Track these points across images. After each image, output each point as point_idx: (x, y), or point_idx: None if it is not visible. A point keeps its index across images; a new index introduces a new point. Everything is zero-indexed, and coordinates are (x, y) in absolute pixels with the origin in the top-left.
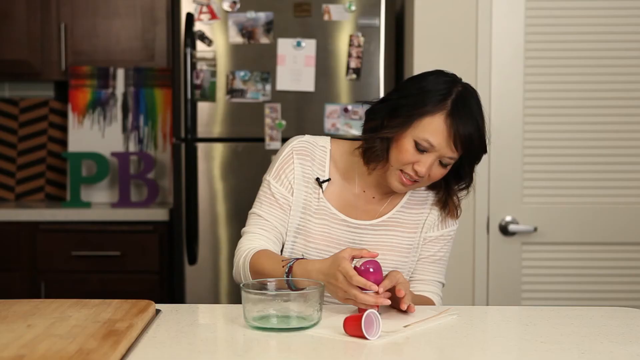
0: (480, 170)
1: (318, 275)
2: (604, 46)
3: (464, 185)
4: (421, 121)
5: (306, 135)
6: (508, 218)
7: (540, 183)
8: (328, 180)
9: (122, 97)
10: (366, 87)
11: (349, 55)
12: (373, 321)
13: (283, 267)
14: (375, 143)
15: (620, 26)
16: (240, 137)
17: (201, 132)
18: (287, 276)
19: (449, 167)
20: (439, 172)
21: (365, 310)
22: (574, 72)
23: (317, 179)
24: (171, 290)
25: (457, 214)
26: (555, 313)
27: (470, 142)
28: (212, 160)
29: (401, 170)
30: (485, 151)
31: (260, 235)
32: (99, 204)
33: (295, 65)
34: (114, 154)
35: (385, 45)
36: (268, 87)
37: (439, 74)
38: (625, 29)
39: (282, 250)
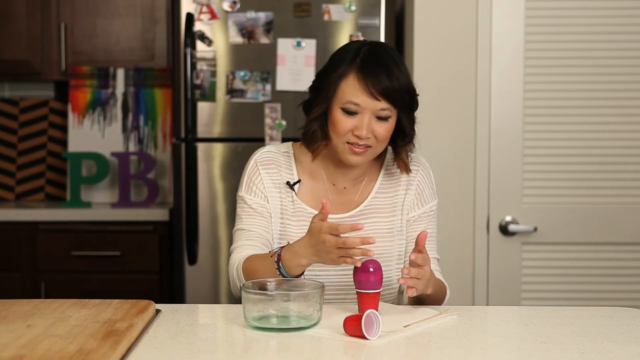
0: (480, 170)
1: (306, 250)
2: (604, 46)
3: (407, 140)
4: (339, 87)
5: (267, 146)
6: (508, 218)
7: (540, 183)
8: (298, 181)
9: (122, 97)
10: None
11: None
12: (373, 321)
13: (271, 257)
14: (310, 126)
15: (620, 26)
16: (240, 137)
17: (201, 132)
18: (277, 265)
19: (390, 121)
20: (382, 129)
21: (365, 310)
22: (574, 72)
23: (288, 183)
24: (171, 290)
25: (407, 170)
26: (555, 313)
27: (390, 90)
28: (212, 160)
29: (348, 143)
30: (413, 98)
31: (247, 246)
32: (99, 204)
33: (295, 65)
34: (114, 154)
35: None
36: (268, 87)
37: (349, 43)
38: (625, 29)
39: None
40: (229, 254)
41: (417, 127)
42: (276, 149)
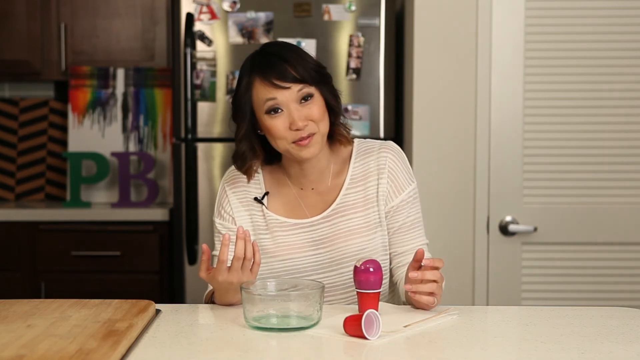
0: (480, 170)
1: (222, 289)
2: (604, 46)
3: (336, 112)
4: (252, 99)
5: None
6: (508, 218)
7: (540, 183)
8: (266, 194)
9: (122, 97)
10: (366, 87)
11: (349, 55)
12: (373, 321)
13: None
14: (238, 148)
15: (620, 26)
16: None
17: (201, 132)
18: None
19: (315, 98)
20: (313, 109)
21: (365, 310)
22: (574, 72)
23: (255, 198)
24: (171, 290)
25: (349, 140)
26: (555, 313)
27: (293, 72)
28: (212, 160)
29: (293, 142)
30: (321, 70)
31: None
32: (99, 204)
33: None
34: (114, 154)
35: (385, 45)
36: None
37: (247, 57)
38: (625, 29)
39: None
40: None
41: (421, 123)
42: None
